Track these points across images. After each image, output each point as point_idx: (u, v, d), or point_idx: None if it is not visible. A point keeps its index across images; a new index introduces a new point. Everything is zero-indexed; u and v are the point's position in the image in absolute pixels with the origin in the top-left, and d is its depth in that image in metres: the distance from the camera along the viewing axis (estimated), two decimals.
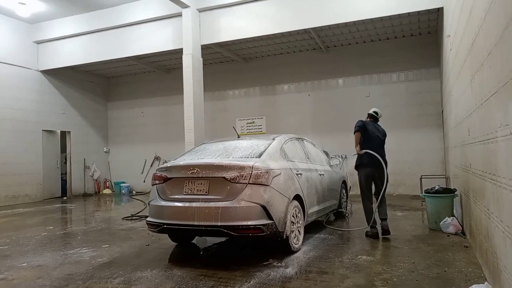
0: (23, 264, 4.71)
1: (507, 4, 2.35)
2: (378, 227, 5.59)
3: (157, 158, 14.45)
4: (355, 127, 5.73)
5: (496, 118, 2.80)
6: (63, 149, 14.09)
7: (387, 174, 5.55)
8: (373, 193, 5.84)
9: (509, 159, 2.48)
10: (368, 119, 6.07)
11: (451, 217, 5.70)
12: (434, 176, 9.02)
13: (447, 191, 5.99)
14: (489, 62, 2.99)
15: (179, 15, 10.30)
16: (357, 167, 5.81)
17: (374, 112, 6.11)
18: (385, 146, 5.88)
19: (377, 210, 5.63)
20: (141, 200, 11.41)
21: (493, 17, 2.79)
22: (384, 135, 5.92)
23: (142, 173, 14.65)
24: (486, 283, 3.15)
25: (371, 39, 11.43)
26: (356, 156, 5.79)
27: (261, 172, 4.44)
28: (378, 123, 6.09)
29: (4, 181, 11.57)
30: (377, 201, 5.71)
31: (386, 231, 5.48)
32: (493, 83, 2.84)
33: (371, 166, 5.61)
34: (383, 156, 5.63)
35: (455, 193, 5.95)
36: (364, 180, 5.69)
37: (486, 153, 3.27)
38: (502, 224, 2.78)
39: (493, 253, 3.17)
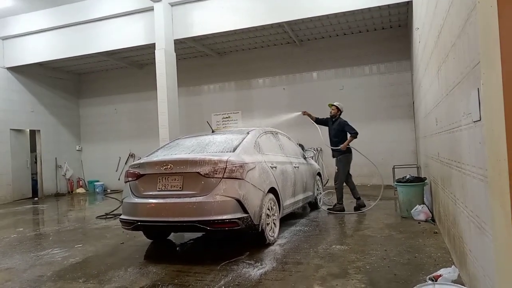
0: None
1: None
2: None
3: (131, 155, 14.20)
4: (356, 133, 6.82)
5: (460, 107, 2.89)
6: (33, 148, 13.64)
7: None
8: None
9: (471, 147, 2.57)
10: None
11: (422, 205, 5.87)
12: (406, 166, 9.28)
13: (418, 180, 6.17)
14: (453, 53, 3.08)
15: (151, 9, 10.11)
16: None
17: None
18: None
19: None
20: (116, 198, 11.20)
21: (455, 9, 2.87)
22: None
23: (116, 171, 14.37)
24: (453, 266, 3.26)
25: (343, 32, 11.56)
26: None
27: (235, 166, 4.43)
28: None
29: None
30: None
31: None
32: (457, 73, 2.93)
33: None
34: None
35: (425, 181, 6.13)
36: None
37: (452, 142, 3.38)
38: (467, 210, 2.89)
39: (459, 238, 3.29)
